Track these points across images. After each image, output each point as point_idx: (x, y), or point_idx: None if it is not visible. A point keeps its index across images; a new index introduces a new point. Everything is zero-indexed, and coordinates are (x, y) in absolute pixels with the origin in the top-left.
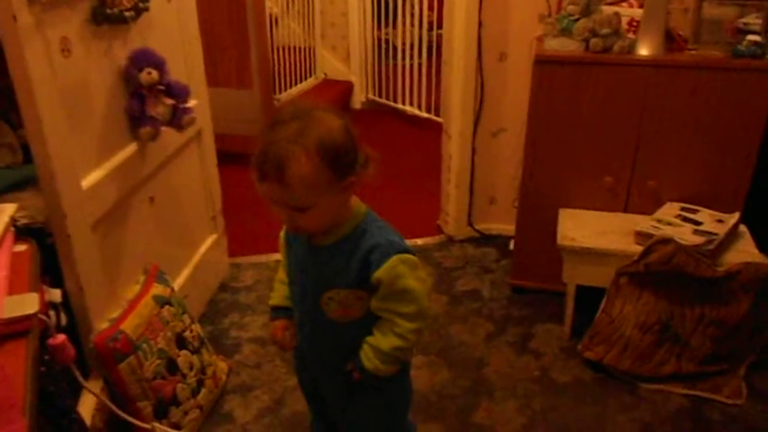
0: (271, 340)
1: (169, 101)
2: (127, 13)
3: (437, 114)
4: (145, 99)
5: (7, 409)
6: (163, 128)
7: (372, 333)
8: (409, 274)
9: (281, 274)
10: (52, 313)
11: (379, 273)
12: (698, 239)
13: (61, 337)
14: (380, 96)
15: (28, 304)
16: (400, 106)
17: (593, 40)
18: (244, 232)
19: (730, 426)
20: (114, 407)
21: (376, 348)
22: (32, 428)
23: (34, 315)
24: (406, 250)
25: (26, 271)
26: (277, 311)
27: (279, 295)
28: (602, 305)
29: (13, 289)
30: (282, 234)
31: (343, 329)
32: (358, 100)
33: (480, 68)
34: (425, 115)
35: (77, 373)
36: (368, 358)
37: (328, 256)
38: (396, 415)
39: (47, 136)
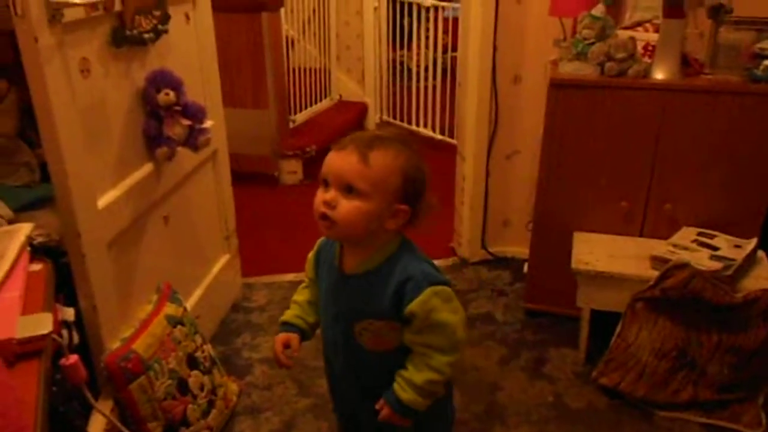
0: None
1: (186, 122)
2: (146, 35)
3: (451, 136)
4: (162, 119)
5: (19, 430)
6: (179, 148)
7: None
8: (443, 307)
9: (299, 296)
10: (65, 332)
11: (413, 306)
12: (715, 265)
13: (73, 358)
14: (394, 117)
15: (41, 324)
16: (414, 127)
17: (608, 64)
18: (257, 253)
19: None
20: (124, 429)
21: (410, 381)
22: None
23: (48, 335)
24: (440, 282)
25: (41, 290)
26: (284, 326)
27: (291, 313)
28: (617, 330)
29: (27, 308)
30: (311, 256)
31: (378, 358)
32: (372, 121)
33: (494, 91)
34: (439, 137)
35: (89, 395)
36: (404, 389)
37: (360, 286)
38: None
39: (65, 155)
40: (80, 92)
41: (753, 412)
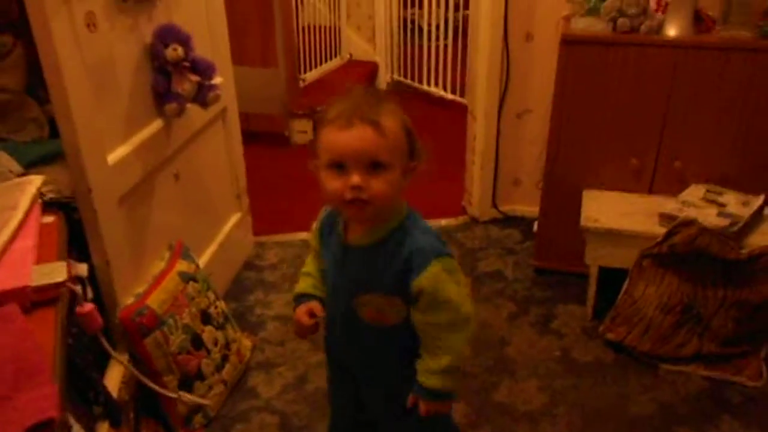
0: (294, 328)
1: (195, 78)
2: None
3: (463, 95)
4: (170, 75)
5: (38, 373)
6: (189, 105)
7: (407, 340)
8: (449, 280)
9: (308, 267)
10: (78, 287)
11: (421, 281)
12: (722, 221)
13: (89, 306)
14: (405, 77)
15: (56, 272)
16: (425, 87)
17: (620, 20)
18: (268, 211)
19: (748, 406)
20: (141, 376)
21: (429, 369)
22: (62, 392)
23: (63, 283)
24: (444, 253)
25: (54, 241)
26: (302, 297)
27: (304, 284)
28: (625, 287)
29: (41, 258)
30: (314, 227)
31: (376, 332)
32: (383, 80)
33: (506, 49)
34: (450, 96)
35: (105, 343)
36: (427, 378)
37: (365, 259)
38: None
39: (73, 110)
40: (87, 47)
41: (755, 365)
